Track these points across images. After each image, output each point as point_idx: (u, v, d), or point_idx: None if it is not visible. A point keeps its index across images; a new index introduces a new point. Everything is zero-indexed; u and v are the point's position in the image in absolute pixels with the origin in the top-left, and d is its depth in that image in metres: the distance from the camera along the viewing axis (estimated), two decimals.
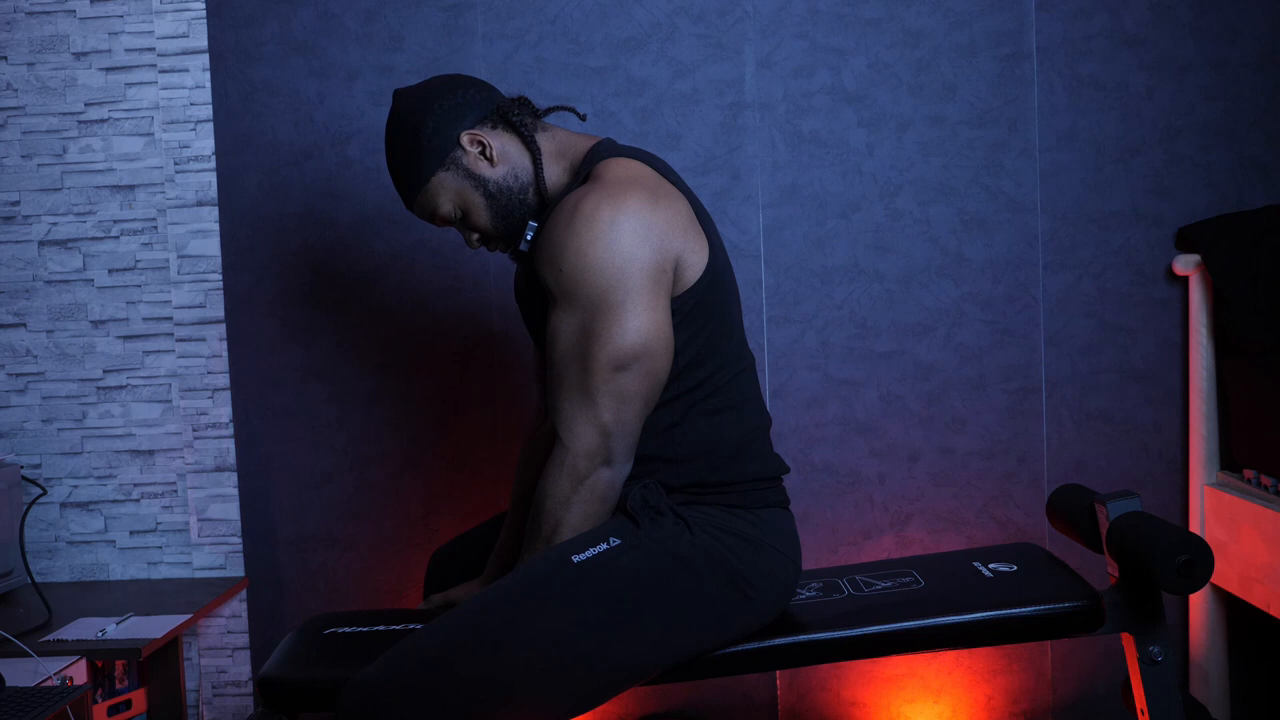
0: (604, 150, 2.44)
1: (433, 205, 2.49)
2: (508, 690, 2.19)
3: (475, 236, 2.53)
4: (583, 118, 2.63)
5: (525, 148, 2.48)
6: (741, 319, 2.54)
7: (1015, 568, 2.60)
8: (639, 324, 2.23)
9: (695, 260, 2.35)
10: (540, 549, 2.30)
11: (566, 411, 2.27)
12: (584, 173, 2.40)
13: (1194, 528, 3.41)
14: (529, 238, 2.44)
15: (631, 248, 2.23)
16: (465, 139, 2.44)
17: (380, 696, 2.18)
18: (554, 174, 2.49)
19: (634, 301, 2.23)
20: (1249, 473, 3.24)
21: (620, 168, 2.36)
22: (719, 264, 2.42)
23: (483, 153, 2.45)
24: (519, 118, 2.48)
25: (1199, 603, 3.41)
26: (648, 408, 2.29)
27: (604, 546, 2.27)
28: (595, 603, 2.24)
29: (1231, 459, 3.37)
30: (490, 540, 2.77)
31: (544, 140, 2.50)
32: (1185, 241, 3.46)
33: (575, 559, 2.26)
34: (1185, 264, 3.41)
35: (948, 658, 3.56)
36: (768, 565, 2.36)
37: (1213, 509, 3.34)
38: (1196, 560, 2.26)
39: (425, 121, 2.44)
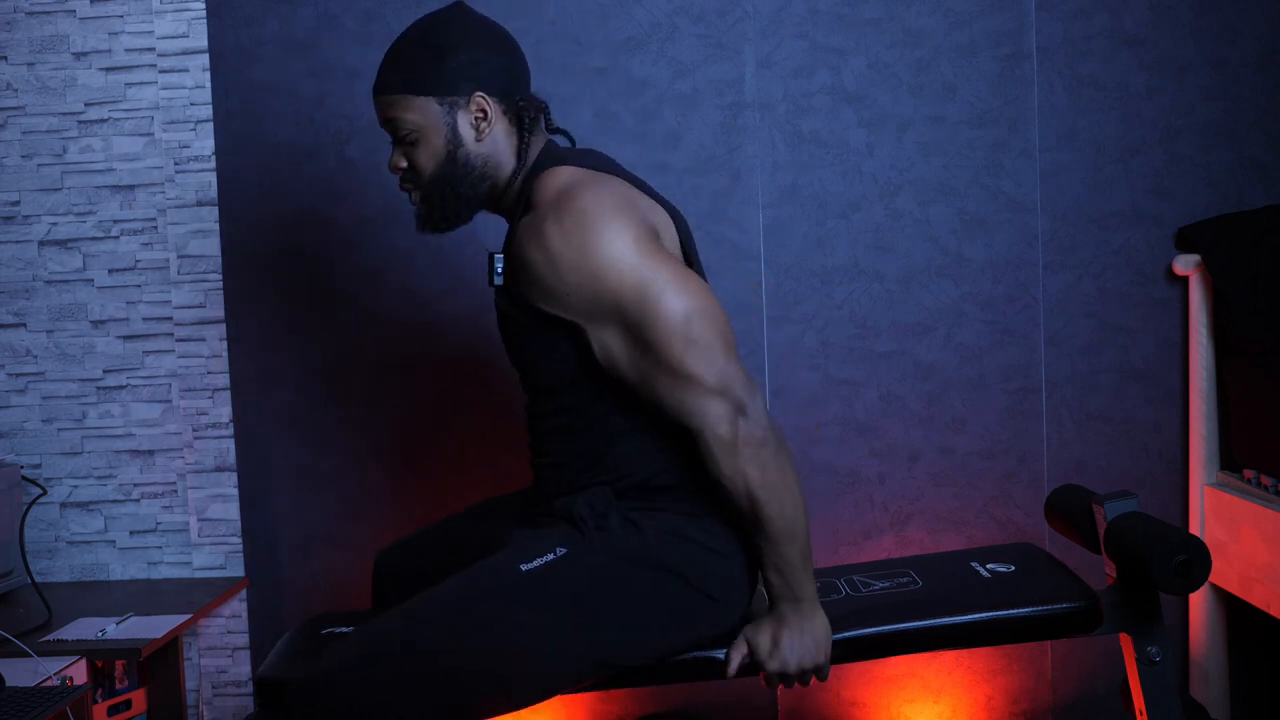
0: (544, 160, 2.41)
1: (398, 112, 2.38)
2: (451, 686, 2.22)
3: (404, 165, 2.43)
4: (573, 143, 2.55)
5: (514, 152, 2.43)
6: None
7: (1013, 568, 2.60)
8: (665, 286, 2.20)
9: (667, 236, 2.35)
10: (769, 528, 2.24)
11: (676, 402, 2.22)
12: (530, 181, 2.38)
13: (1194, 528, 3.41)
14: (500, 270, 2.36)
15: (610, 235, 2.20)
16: (477, 98, 2.37)
17: (322, 695, 2.22)
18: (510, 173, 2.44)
19: (646, 272, 2.20)
20: (1249, 473, 3.24)
21: (556, 177, 2.33)
22: (688, 247, 2.43)
23: (478, 122, 2.38)
24: (529, 124, 2.43)
25: (1199, 603, 3.41)
26: (728, 340, 2.24)
27: (550, 557, 2.27)
28: (544, 609, 2.24)
29: (1231, 459, 3.37)
30: (438, 541, 2.71)
31: (531, 144, 2.45)
32: (1185, 241, 3.46)
33: (523, 568, 2.26)
34: (1185, 264, 3.41)
35: (948, 658, 3.56)
36: (725, 570, 2.35)
37: (1213, 509, 3.34)
38: (1194, 560, 2.26)
39: (460, 51, 2.36)
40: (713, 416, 2.20)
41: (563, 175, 2.34)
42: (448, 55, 2.36)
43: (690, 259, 2.43)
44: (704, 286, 2.26)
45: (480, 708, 2.25)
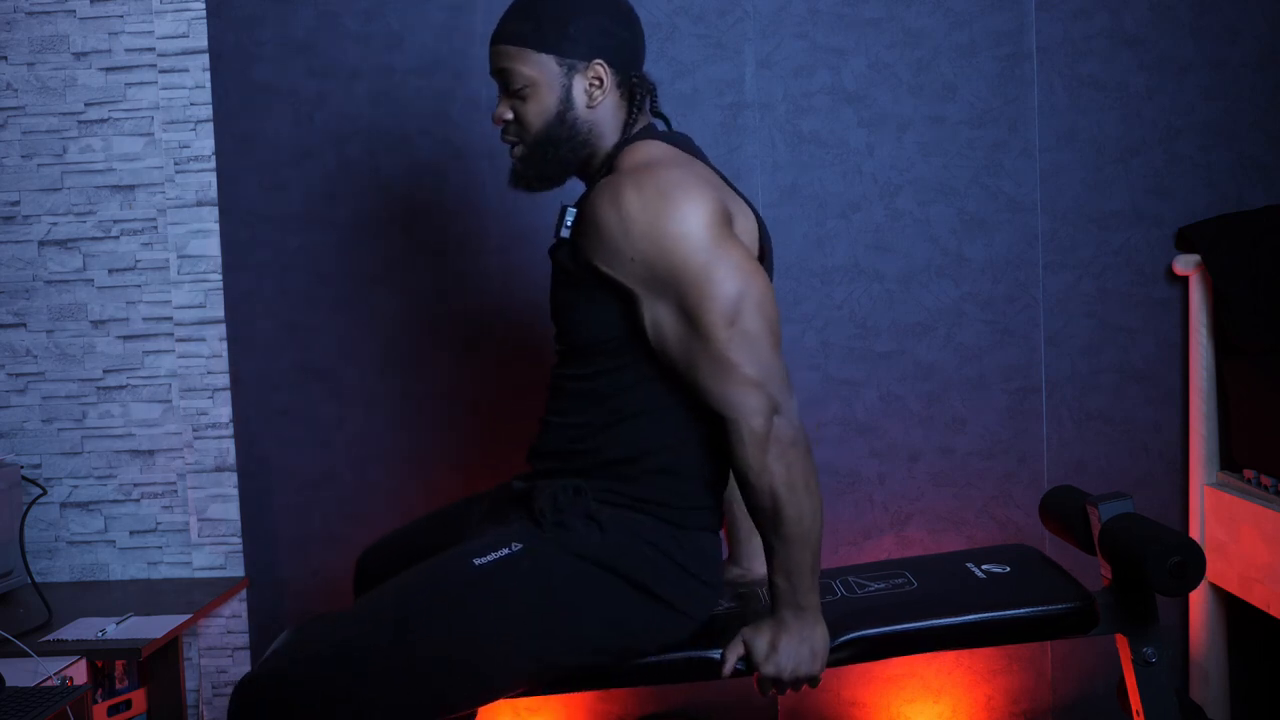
0: (639, 136, 2.42)
1: (515, 64, 2.38)
2: (398, 681, 2.22)
3: (509, 117, 2.43)
4: (669, 128, 2.54)
5: (619, 126, 2.44)
6: None
7: (1008, 569, 2.60)
8: (725, 270, 2.21)
9: (744, 226, 2.35)
10: (785, 529, 2.24)
11: (715, 389, 2.23)
12: (615, 152, 2.40)
13: (1194, 528, 3.41)
14: (568, 223, 2.36)
15: (686, 210, 2.21)
16: (596, 65, 2.38)
17: (270, 692, 2.21)
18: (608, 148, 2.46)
19: (711, 254, 2.21)
20: (1249, 473, 3.23)
21: (643, 150, 2.36)
22: (765, 248, 2.43)
23: (592, 88, 2.39)
24: (639, 100, 2.45)
25: (1199, 603, 3.41)
26: (776, 335, 2.25)
27: (505, 552, 2.28)
28: (491, 604, 2.25)
29: (1231, 459, 3.37)
30: (419, 538, 2.70)
31: (636, 121, 2.46)
32: (1185, 241, 3.46)
33: (476, 562, 2.27)
34: (1185, 264, 3.41)
35: (948, 658, 3.56)
36: (682, 583, 2.35)
37: (1213, 509, 3.34)
38: (1188, 562, 2.26)
39: (589, 16, 2.37)
40: (748, 408, 2.21)
41: (651, 148, 2.36)
42: (577, 18, 2.36)
43: (763, 259, 2.43)
44: (764, 279, 2.26)
45: (429, 704, 2.25)
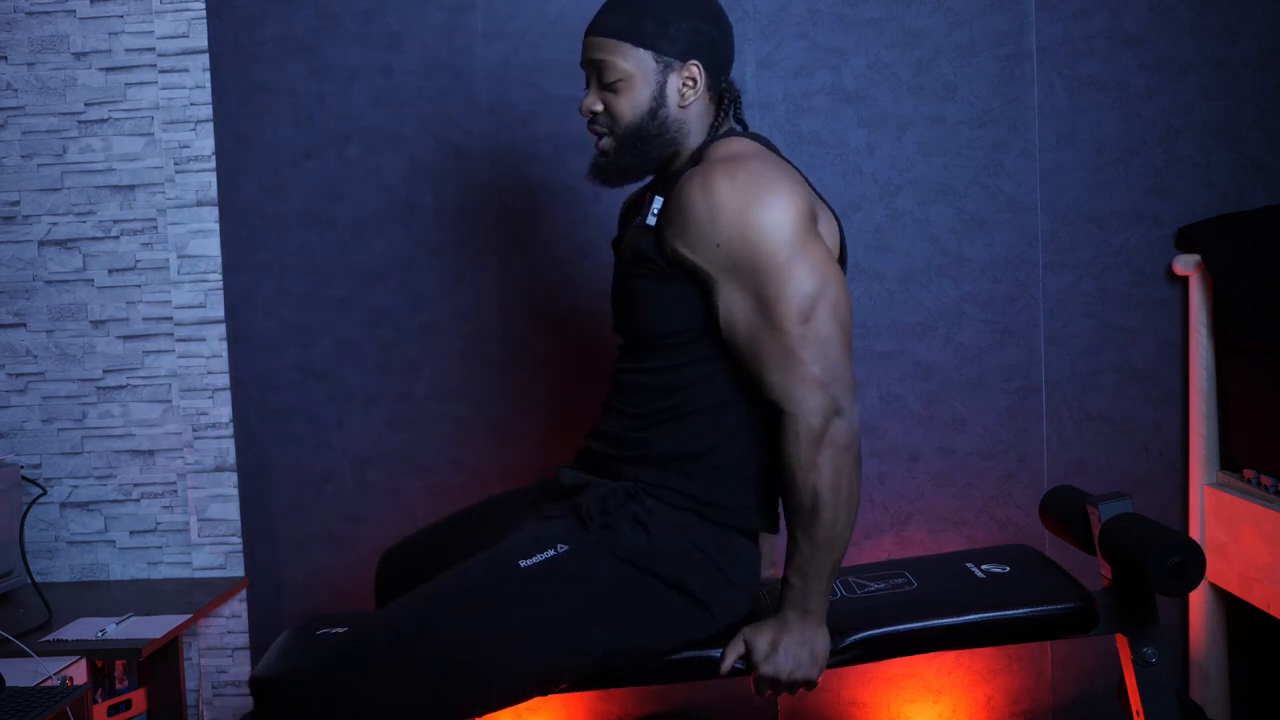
0: (722, 135, 2.44)
1: (612, 56, 2.40)
2: (436, 681, 2.23)
3: (599, 108, 2.44)
4: (745, 128, 2.57)
5: (705, 128, 2.46)
6: None
7: (1008, 569, 2.60)
8: (806, 268, 2.23)
9: (827, 229, 2.37)
10: (817, 531, 2.25)
11: (778, 382, 2.25)
12: (700, 150, 2.41)
13: (1194, 528, 3.41)
14: (655, 210, 2.40)
15: (775, 203, 2.24)
16: (691, 65, 2.40)
17: (297, 694, 2.22)
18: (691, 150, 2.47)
19: (794, 249, 2.23)
20: (1249, 473, 3.23)
21: (734, 145, 2.38)
22: (843, 252, 2.45)
23: (685, 88, 2.41)
24: (727, 104, 2.48)
25: (1199, 603, 3.40)
26: (848, 339, 2.27)
27: (551, 553, 2.28)
28: (537, 607, 2.25)
29: (1231, 459, 3.36)
30: (445, 540, 2.68)
31: (721, 125, 2.49)
32: (1185, 241, 3.46)
33: (522, 564, 2.27)
34: (1185, 264, 3.40)
35: (948, 658, 3.55)
36: (724, 587, 2.35)
37: (1213, 509, 3.33)
38: (1188, 562, 2.26)
39: (690, 16, 2.40)
40: (809, 405, 2.22)
41: (741, 144, 2.39)
42: (678, 17, 2.39)
43: (842, 264, 2.44)
44: (843, 282, 2.29)
45: (429, 706, 2.25)
